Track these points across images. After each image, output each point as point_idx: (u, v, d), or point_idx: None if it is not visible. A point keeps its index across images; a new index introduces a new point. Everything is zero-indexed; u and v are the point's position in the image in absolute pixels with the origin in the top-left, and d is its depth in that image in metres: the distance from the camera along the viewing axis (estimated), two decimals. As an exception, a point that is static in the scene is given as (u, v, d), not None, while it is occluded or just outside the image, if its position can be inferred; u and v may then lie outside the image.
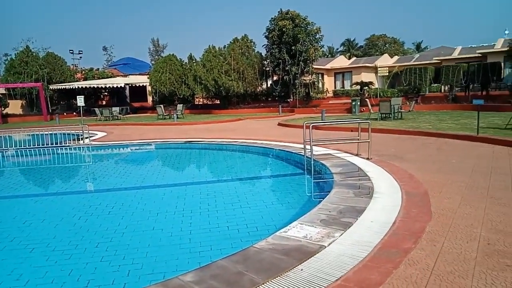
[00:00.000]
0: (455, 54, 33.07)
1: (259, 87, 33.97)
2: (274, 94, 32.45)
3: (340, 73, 37.61)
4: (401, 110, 16.75)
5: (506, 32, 32.80)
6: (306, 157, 8.12)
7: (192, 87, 32.67)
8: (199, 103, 37.06)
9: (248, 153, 10.83)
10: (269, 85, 34.18)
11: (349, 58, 44.97)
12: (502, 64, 24.09)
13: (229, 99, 31.88)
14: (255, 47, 32.77)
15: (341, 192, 5.21)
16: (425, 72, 23.71)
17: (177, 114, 23.63)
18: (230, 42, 31.69)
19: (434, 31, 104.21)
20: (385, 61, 37.21)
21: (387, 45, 58.12)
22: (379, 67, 27.26)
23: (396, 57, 41.71)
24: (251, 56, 31.72)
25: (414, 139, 10.61)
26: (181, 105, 27.27)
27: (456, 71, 22.27)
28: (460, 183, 5.43)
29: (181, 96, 33.21)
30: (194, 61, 34.40)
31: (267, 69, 31.73)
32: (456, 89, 24.98)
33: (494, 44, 30.50)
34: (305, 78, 30.61)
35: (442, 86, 27.56)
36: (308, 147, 7.95)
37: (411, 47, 63.72)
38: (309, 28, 28.84)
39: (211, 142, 12.27)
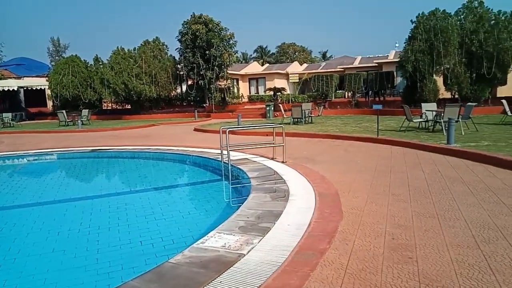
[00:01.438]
0: (356, 63, 36.27)
1: (173, 92, 33.13)
2: (189, 98, 31.92)
3: (254, 79, 38.56)
4: (311, 115, 17.73)
5: (397, 45, 37.05)
6: (224, 162, 8.04)
7: (99, 91, 30.48)
8: (108, 108, 34.71)
9: (163, 160, 10.37)
10: (184, 90, 33.51)
11: (262, 65, 46.44)
12: (395, 73, 27.08)
13: (141, 104, 30.46)
14: (168, 50, 31.91)
15: (259, 196, 5.22)
16: (331, 79, 25.53)
17: (82, 120, 21.74)
18: (141, 44, 30.37)
19: (337, 41, 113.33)
20: (296, 68, 39.22)
21: (296, 53, 61.45)
22: (290, 74, 28.61)
23: (305, 65, 44.27)
24: (164, 60, 30.80)
25: (323, 142, 11.26)
26: (87, 110, 25.24)
27: (357, 79, 24.40)
28: (366, 182, 5.85)
29: (87, 101, 30.76)
30: (100, 63, 32.16)
31: (181, 73, 31.12)
32: (358, 95, 27.37)
33: (388, 55, 34.21)
34: (220, 83, 30.71)
35: (346, 92, 29.97)
36: (225, 152, 7.88)
37: (318, 55, 68.31)
38: (222, 34, 29.02)
39: (121, 150, 11.48)
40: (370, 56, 38.97)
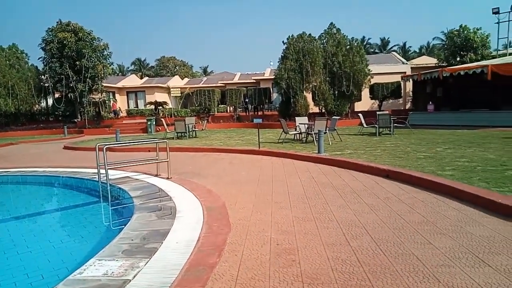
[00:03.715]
0: (236, 79, 37.83)
1: (37, 106, 29.28)
2: (57, 113, 28.62)
3: (132, 92, 36.81)
4: (195, 129, 17.74)
5: (271, 63, 40.04)
6: (101, 182, 7.39)
7: None
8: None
9: (25, 184, 9.01)
10: (50, 103, 29.92)
11: (141, 78, 44.70)
12: (271, 89, 29.12)
13: (-5, 120, 26.07)
14: (28, 59, 28.18)
15: (143, 216, 4.95)
16: (213, 94, 26.04)
17: None
18: (-7, 51, 26.19)
19: (218, 57, 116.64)
20: (177, 82, 38.86)
21: (177, 67, 60.95)
22: (172, 88, 28.22)
23: (186, 79, 44.23)
24: (24, 70, 27.07)
25: (208, 156, 11.36)
26: None
27: (238, 94, 25.45)
28: (251, 193, 6.09)
29: None
30: None
31: (46, 85, 27.74)
32: (239, 109, 28.52)
33: (264, 72, 36.62)
34: (94, 96, 28.39)
35: (228, 107, 30.92)
36: (102, 171, 7.26)
37: (199, 70, 69.06)
38: (95, 44, 27.03)
39: (-31, 174, 9.57)
40: (249, 72, 41.18)
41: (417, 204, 5.00)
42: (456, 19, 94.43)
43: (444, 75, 17.42)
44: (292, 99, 21.61)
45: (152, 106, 29.30)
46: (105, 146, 7.16)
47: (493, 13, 21.85)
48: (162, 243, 3.91)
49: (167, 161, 7.67)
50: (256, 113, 27.94)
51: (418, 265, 3.14)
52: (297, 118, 14.94)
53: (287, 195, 5.87)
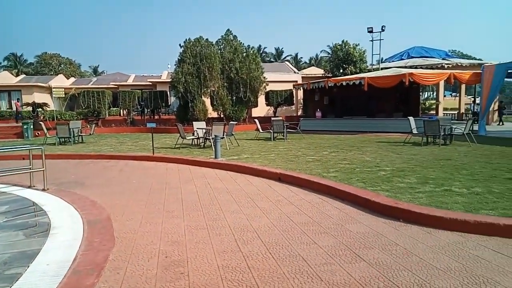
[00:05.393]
0: (130, 81, 35.80)
1: None
2: None
3: (5, 91, 32.05)
4: (82, 134, 16.16)
5: (169, 66, 38.96)
6: (-46, 198, 6.14)
7: None
8: None
9: None
10: None
11: (17, 75, 39.26)
12: (169, 92, 28.25)
13: None
14: None
15: (7, 236, 4.22)
16: (103, 96, 24.12)
17: None
18: None
19: (110, 57, 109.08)
20: (61, 82, 35.09)
21: (62, 66, 55.11)
22: (54, 88, 25.29)
23: (73, 79, 40.30)
24: None
25: (96, 163, 10.41)
26: None
27: (132, 96, 24.04)
28: (141, 202, 5.70)
29: None
30: None
31: None
32: (134, 113, 26.97)
33: (161, 75, 35.42)
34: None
35: (121, 110, 29.00)
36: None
37: (88, 70, 63.61)
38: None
39: None
40: (145, 74, 39.39)
41: (304, 206, 5.27)
42: (340, 34, 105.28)
43: (330, 85, 19.10)
44: (190, 104, 21.28)
45: (30, 108, 25.83)
46: (-41, 155, 5.97)
47: (368, 32, 24.82)
48: (28, 267, 3.36)
49: (43, 170, 6.75)
50: (152, 117, 26.78)
51: (303, 265, 3.26)
52: (194, 123, 14.72)
53: (181, 203, 5.65)
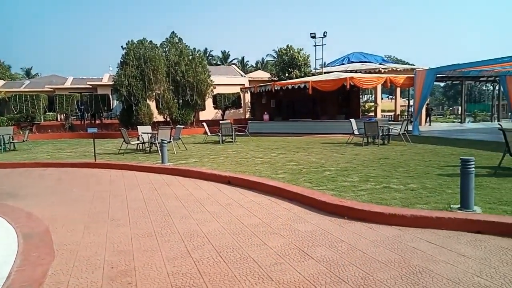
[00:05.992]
0: (68, 84, 33.80)
1: None
2: None
3: None
4: (14, 141, 14.93)
5: (110, 68, 37.31)
6: None
7: None
8: None
9: None
10: None
11: None
12: (111, 96, 27.05)
13: None
14: None
15: None
16: (38, 100, 22.51)
17: None
18: None
19: (44, 59, 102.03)
20: (-11, 85, 32.16)
21: (-11, 67, 50.54)
22: (-19, 91, 23.10)
23: (2, 82, 37.11)
24: None
25: (31, 172, 9.67)
26: None
27: (70, 100, 22.70)
28: (83, 212, 5.40)
29: None
30: None
31: None
32: (73, 117, 25.46)
33: (102, 78, 33.85)
34: None
35: (58, 115, 27.24)
36: None
37: (20, 72, 58.99)
38: None
39: None
40: (84, 77, 37.39)
41: (254, 208, 5.33)
42: (285, 39, 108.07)
43: (276, 88, 19.51)
44: (134, 107, 20.55)
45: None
46: None
47: (311, 37, 25.75)
48: (-47, 289, 3.03)
49: (-31, 181, 6.14)
50: (93, 121, 25.46)
51: (254, 267, 3.30)
52: (139, 127, 14.23)
53: (127, 210, 5.44)
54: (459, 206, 4.46)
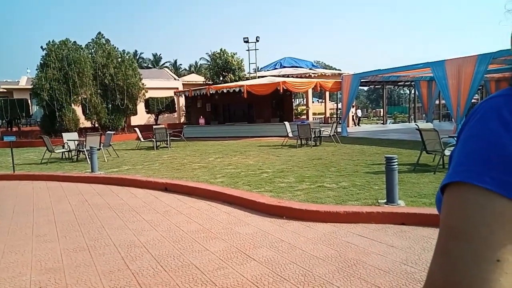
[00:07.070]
0: (-23, 87, 30.19)
1: None
2: None
3: None
4: None
5: (28, 71, 34.28)
6: None
7: None
8: None
9: None
10: None
11: None
12: (29, 100, 24.80)
13: None
14: None
15: None
16: None
17: None
18: None
19: None
20: None
21: None
22: None
23: None
24: None
25: None
26: None
27: (-19, 106, 20.36)
28: (1, 229, 4.88)
29: None
30: None
31: None
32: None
33: (19, 81, 30.90)
34: None
35: (-34, 122, 24.25)
36: None
37: None
38: None
39: None
40: (-3, 80, 33.76)
41: (194, 213, 5.25)
42: (218, 42, 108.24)
43: (211, 92, 19.43)
44: (58, 113, 19.04)
45: None
46: None
47: (244, 41, 26.12)
48: None
49: None
50: (10, 129, 23.09)
51: (197, 273, 3.26)
52: (64, 134, 13.24)
53: (54, 224, 5.03)
54: (385, 200, 4.84)
